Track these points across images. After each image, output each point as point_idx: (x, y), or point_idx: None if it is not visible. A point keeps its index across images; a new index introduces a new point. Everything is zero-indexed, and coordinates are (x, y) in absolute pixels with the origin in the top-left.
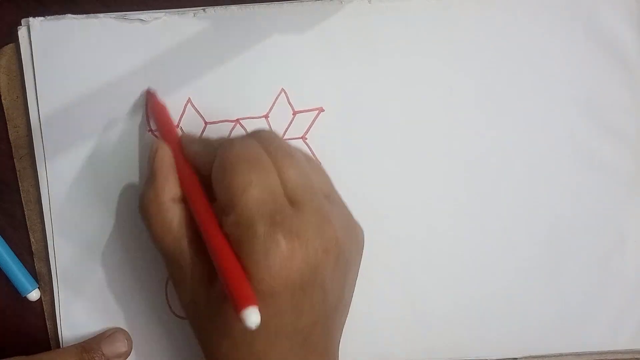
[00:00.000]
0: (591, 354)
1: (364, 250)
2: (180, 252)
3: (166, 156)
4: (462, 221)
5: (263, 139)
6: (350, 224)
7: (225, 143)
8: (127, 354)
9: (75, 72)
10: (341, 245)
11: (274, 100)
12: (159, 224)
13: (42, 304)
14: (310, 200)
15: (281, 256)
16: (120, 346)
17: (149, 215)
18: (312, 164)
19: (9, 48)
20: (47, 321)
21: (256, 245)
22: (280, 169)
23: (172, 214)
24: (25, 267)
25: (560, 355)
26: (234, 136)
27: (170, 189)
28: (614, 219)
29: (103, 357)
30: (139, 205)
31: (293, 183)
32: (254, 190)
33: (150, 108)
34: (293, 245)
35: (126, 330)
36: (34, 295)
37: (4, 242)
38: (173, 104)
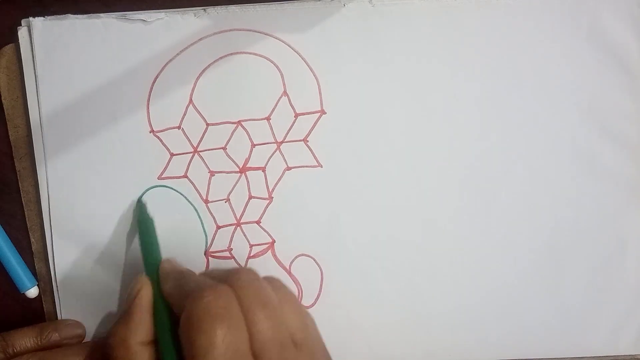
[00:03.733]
0: (591, 358)
1: (364, 253)
2: None
3: (146, 296)
4: (463, 224)
5: (238, 285)
6: None
7: (194, 293)
8: (82, 335)
9: (76, 72)
10: None
11: (275, 102)
12: None
13: (42, 303)
14: (277, 358)
15: None
16: (74, 328)
17: (115, 355)
18: (289, 305)
19: (9, 48)
20: (47, 321)
21: None
22: (251, 321)
23: (139, 358)
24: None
25: (561, 359)
26: (210, 278)
27: (142, 331)
28: (615, 224)
29: (57, 336)
30: (105, 339)
31: (262, 337)
32: (217, 351)
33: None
34: None
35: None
36: (33, 292)
37: (6, 236)
38: (174, 105)
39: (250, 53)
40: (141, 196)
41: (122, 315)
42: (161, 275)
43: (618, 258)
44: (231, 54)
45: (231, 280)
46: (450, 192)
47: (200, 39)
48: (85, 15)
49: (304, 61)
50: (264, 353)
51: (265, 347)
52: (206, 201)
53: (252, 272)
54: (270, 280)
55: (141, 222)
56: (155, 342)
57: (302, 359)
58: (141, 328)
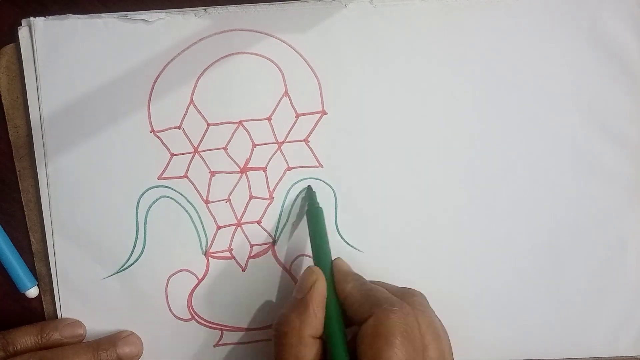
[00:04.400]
0: (591, 359)
1: (363, 254)
2: None
3: (321, 290)
4: (462, 224)
5: (417, 308)
6: None
7: (384, 304)
8: (138, 357)
9: (77, 71)
10: None
11: (276, 102)
12: (293, 355)
13: (42, 303)
14: None
15: None
16: (134, 350)
17: (284, 343)
18: (447, 341)
19: (9, 48)
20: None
21: None
22: (426, 348)
23: (309, 351)
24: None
25: None
26: (394, 293)
27: (315, 324)
28: (615, 224)
29: (116, 357)
30: (277, 324)
31: None
32: None
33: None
34: None
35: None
36: (33, 292)
37: (6, 236)
38: (175, 105)
39: (251, 53)
40: (309, 190)
41: (296, 304)
42: (338, 273)
43: (618, 258)
44: (232, 54)
45: (410, 301)
46: (450, 192)
47: (201, 39)
48: (86, 15)
49: (305, 61)
50: None
51: None
52: (206, 201)
53: (424, 297)
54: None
55: (310, 213)
56: (322, 337)
57: None
58: (315, 321)
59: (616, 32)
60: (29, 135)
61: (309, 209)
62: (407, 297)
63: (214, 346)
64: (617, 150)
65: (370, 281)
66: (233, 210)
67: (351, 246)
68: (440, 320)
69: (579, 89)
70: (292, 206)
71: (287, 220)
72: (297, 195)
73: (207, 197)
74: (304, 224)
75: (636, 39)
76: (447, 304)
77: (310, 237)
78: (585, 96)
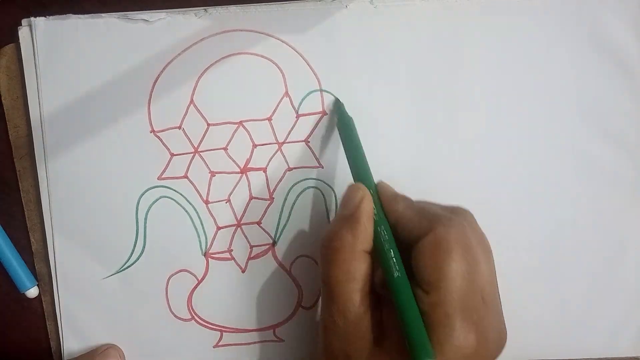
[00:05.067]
0: None
1: None
2: (353, 304)
3: (369, 206)
4: None
5: (469, 224)
6: (503, 328)
7: (444, 219)
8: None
9: (77, 71)
10: (500, 350)
11: (277, 102)
12: (345, 270)
13: (42, 303)
14: (493, 302)
15: (467, 355)
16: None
17: (336, 258)
18: (492, 255)
19: (9, 48)
20: (47, 321)
21: (451, 337)
22: (478, 262)
23: (361, 265)
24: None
25: None
26: (445, 210)
27: (366, 239)
28: (615, 225)
29: None
30: (327, 240)
31: (486, 280)
32: (463, 282)
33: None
34: (479, 349)
35: (119, 347)
36: (33, 292)
37: (6, 236)
38: (175, 105)
39: (251, 53)
40: (337, 101)
41: (346, 219)
42: (386, 194)
43: (618, 259)
44: (233, 54)
45: (462, 216)
46: (451, 193)
47: (202, 39)
48: (87, 15)
49: (306, 62)
50: (486, 292)
51: (486, 290)
52: (206, 202)
53: (473, 216)
54: None
55: (343, 125)
56: (371, 253)
57: (501, 309)
58: (366, 236)
59: (617, 33)
60: (29, 135)
61: (340, 122)
62: (459, 214)
63: (214, 347)
64: (617, 151)
65: (416, 201)
66: (233, 211)
67: None
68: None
69: (580, 90)
70: (292, 207)
71: (287, 221)
72: (298, 196)
73: (207, 197)
74: (304, 225)
75: (637, 40)
76: None
77: (347, 153)
78: (586, 97)
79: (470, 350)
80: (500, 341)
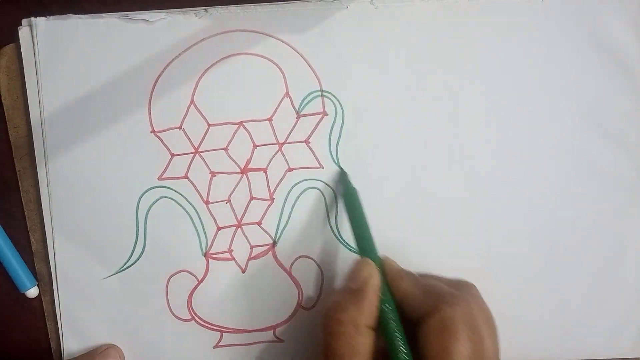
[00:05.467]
0: None
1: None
2: None
3: (377, 282)
4: (462, 226)
5: (474, 301)
6: None
7: (449, 298)
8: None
9: (78, 71)
10: None
11: (277, 103)
12: (348, 345)
13: (41, 303)
14: None
15: None
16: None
17: (340, 332)
18: (496, 330)
19: (9, 48)
20: (47, 321)
21: None
22: (483, 340)
23: (364, 341)
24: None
25: None
26: (451, 285)
27: (370, 315)
28: (615, 226)
29: None
30: (331, 311)
31: (489, 356)
32: None
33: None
34: None
35: (119, 347)
36: (33, 292)
37: (6, 236)
38: (176, 105)
39: (252, 54)
40: (342, 172)
41: (352, 293)
42: (392, 271)
43: (618, 260)
44: (233, 54)
45: (467, 293)
46: (451, 193)
47: (202, 40)
48: (87, 15)
49: (306, 62)
50: None
51: None
52: (207, 202)
53: (477, 290)
54: None
55: (348, 197)
56: (375, 329)
57: None
58: (371, 312)
59: (617, 33)
60: (29, 135)
61: (346, 193)
62: (465, 290)
63: (214, 347)
64: (617, 151)
65: (419, 274)
66: (233, 211)
67: (351, 248)
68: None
69: (580, 90)
70: (293, 207)
71: (287, 222)
72: (298, 196)
73: (208, 197)
74: (304, 225)
75: (637, 40)
76: None
77: (352, 225)
78: (586, 97)
79: None
80: None
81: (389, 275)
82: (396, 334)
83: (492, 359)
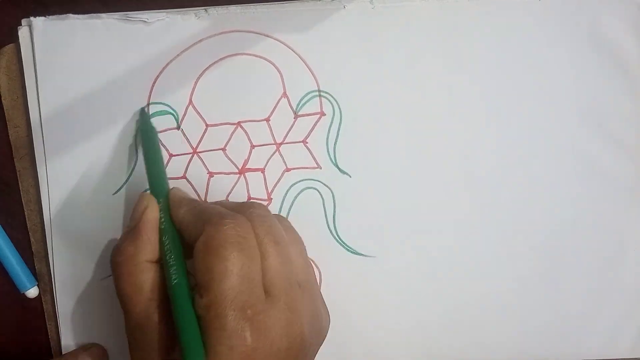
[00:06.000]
0: None
1: (364, 261)
2: (147, 316)
3: (153, 215)
4: (461, 227)
5: (254, 218)
6: (318, 314)
7: (215, 219)
8: None
9: (76, 72)
10: (305, 341)
11: (275, 103)
12: (131, 284)
13: (42, 303)
14: (284, 294)
15: (244, 353)
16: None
17: (121, 272)
18: (295, 246)
19: (9, 48)
20: (47, 321)
21: (222, 337)
22: (264, 255)
23: (146, 276)
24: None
25: None
26: (225, 208)
27: (150, 250)
28: (614, 226)
29: None
30: (112, 256)
31: (273, 273)
32: (233, 279)
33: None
34: (258, 345)
35: (104, 346)
36: (33, 292)
37: (6, 236)
38: (174, 106)
39: (250, 54)
40: (142, 110)
41: (129, 232)
42: (173, 200)
43: (617, 261)
44: (231, 55)
45: (247, 212)
46: (450, 195)
47: (201, 40)
48: (86, 16)
49: (304, 62)
50: (274, 286)
51: (274, 282)
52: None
53: (265, 208)
54: (281, 219)
55: (144, 134)
56: (160, 262)
57: (304, 299)
58: (149, 246)
59: (616, 33)
60: (29, 135)
61: (142, 130)
62: (244, 210)
63: None
64: (616, 151)
65: (215, 203)
66: None
67: (349, 248)
68: (295, 230)
69: (579, 90)
70: (290, 207)
71: None
72: (296, 197)
73: (206, 198)
74: (302, 226)
75: (636, 41)
76: (447, 305)
77: (145, 162)
78: (585, 97)
79: (247, 348)
80: (314, 326)
81: (171, 204)
82: (170, 262)
83: (278, 277)
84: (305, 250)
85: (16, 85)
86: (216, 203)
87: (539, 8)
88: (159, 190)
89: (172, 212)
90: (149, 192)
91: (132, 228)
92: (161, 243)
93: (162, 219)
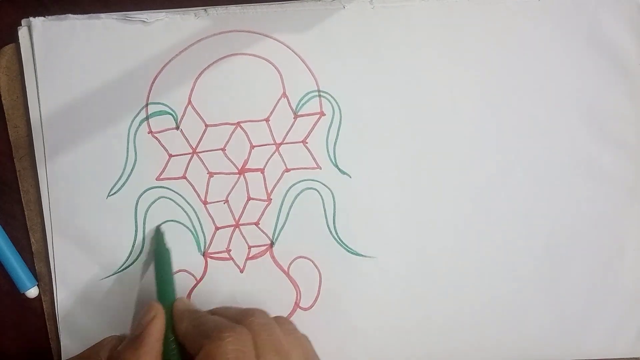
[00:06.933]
0: None
1: (364, 261)
2: None
3: (158, 327)
4: (461, 227)
5: (254, 327)
6: None
7: (214, 333)
8: None
9: (76, 72)
10: None
11: (275, 103)
12: None
13: (42, 303)
14: None
15: None
16: None
17: None
18: (297, 350)
19: (9, 48)
20: (47, 321)
21: None
22: None
23: None
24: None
25: None
26: (226, 318)
27: (152, 359)
28: (614, 227)
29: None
30: None
31: None
32: None
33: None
34: None
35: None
36: (33, 292)
37: (6, 236)
38: (173, 106)
39: (249, 54)
40: (159, 225)
41: (133, 339)
42: (175, 314)
43: (616, 261)
44: (231, 55)
45: (246, 322)
46: (449, 196)
47: (200, 40)
48: (85, 16)
49: (304, 62)
50: None
51: None
52: (205, 202)
53: (265, 315)
54: (282, 322)
55: (158, 253)
56: None
57: None
58: (150, 356)
59: (615, 34)
60: (29, 135)
61: (157, 250)
62: (244, 319)
63: None
64: (616, 152)
65: (211, 310)
66: (231, 212)
67: (349, 248)
68: (298, 333)
69: (578, 91)
70: (290, 208)
71: (285, 222)
72: (296, 197)
73: (206, 198)
74: (301, 226)
75: (635, 41)
76: (446, 307)
77: (155, 276)
78: (585, 98)
79: None
80: None
81: (174, 317)
82: None
83: None
84: (311, 349)
85: (16, 85)
86: (217, 310)
87: (539, 8)
88: (168, 299)
89: (175, 327)
90: (158, 302)
91: (136, 337)
92: (164, 353)
93: (166, 332)
